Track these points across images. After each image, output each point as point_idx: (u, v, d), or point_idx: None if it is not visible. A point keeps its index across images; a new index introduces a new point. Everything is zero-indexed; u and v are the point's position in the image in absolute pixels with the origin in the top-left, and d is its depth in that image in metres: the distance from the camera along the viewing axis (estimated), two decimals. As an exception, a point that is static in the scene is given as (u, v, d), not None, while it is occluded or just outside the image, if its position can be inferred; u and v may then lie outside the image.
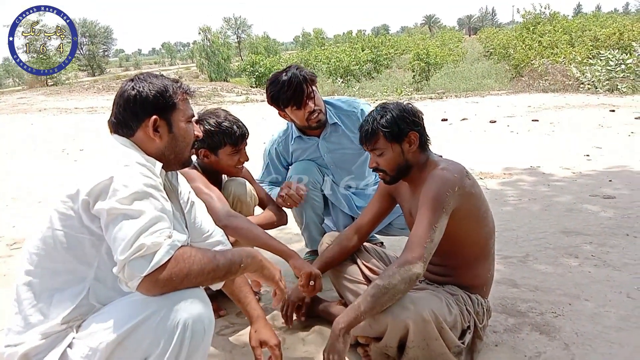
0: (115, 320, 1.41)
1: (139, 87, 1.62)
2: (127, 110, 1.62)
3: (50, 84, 31.99)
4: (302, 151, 2.94)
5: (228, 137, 2.44)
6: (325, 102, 2.89)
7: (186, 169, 2.27)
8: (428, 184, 1.96)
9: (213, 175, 2.54)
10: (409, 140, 2.04)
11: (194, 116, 1.76)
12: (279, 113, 2.81)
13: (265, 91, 2.79)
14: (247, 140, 2.55)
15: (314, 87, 2.71)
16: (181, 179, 1.92)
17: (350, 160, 2.94)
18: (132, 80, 1.67)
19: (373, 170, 2.15)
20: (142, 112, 1.61)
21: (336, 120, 2.86)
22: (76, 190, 1.44)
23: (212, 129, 2.43)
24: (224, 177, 2.68)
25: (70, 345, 1.46)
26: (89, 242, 1.47)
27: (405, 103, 2.11)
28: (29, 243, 1.54)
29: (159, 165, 1.61)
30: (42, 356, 1.46)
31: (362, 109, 2.90)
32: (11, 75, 48.69)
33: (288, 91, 2.63)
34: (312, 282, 2.25)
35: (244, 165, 2.58)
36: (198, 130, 1.77)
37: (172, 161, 1.71)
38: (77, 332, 1.48)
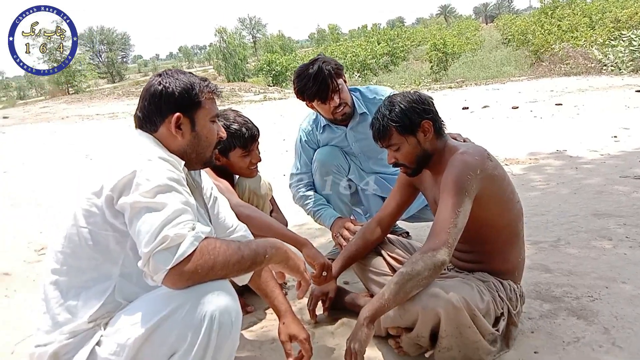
0: (141, 316, 1.39)
1: (165, 83, 1.60)
2: (151, 104, 1.61)
3: (71, 92, 32.53)
4: (329, 140, 2.92)
5: (237, 139, 2.40)
6: (353, 90, 2.88)
7: None
8: (449, 169, 1.90)
9: (225, 173, 2.50)
10: (423, 130, 1.98)
11: (219, 116, 1.75)
12: (306, 104, 2.81)
13: (292, 84, 2.80)
14: (259, 140, 2.52)
15: (340, 80, 2.70)
16: (204, 176, 1.90)
17: (378, 149, 2.88)
18: (159, 75, 1.65)
19: (393, 166, 2.09)
20: (166, 108, 1.60)
21: (365, 110, 2.84)
22: (100, 187, 1.43)
23: None
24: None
25: (98, 343, 1.45)
26: (113, 239, 1.46)
27: (412, 92, 2.05)
28: (55, 241, 1.53)
29: (182, 162, 1.60)
30: (71, 355, 1.45)
31: (390, 94, 2.85)
32: (34, 86, 49.61)
33: (313, 86, 2.64)
34: (324, 273, 2.21)
35: (257, 165, 2.54)
36: (222, 131, 1.75)
37: (193, 160, 1.69)
38: (104, 329, 1.47)
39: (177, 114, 1.60)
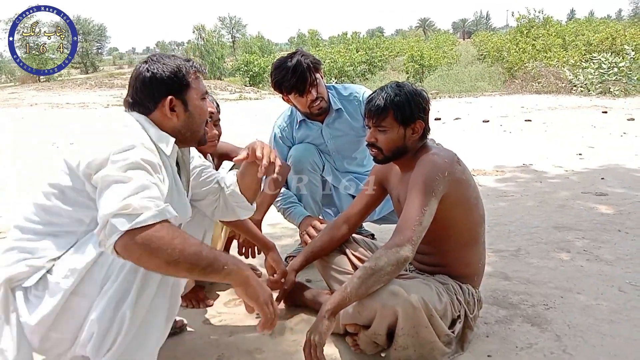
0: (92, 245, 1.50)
1: (154, 69, 1.66)
2: (142, 91, 1.67)
3: (42, 80, 31.83)
4: (305, 137, 2.92)
5: None
6: (329, 87, 2.89)
7: None
8: (418, 169, 1.93)
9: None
10: (414, 128, 2.00)
11: (207, 93, 1.81)
12: (282, 97, 2.80)
13: (269, 75, 2.80)
14: (218, 117, 2.48)
15: (317, 75, 2.70)
16: (194, 152, 1.99)
17: (352, 147, 2.94)
18: (146, 62, 1.70)
19: (368, 145, 2.08)
20: (157, 93, 1.66)
21: (340, 106, 2.85)
22: (78, 162, 1.50)
23: None
24: (209, 159, 2.63)
25: (49, 271, 1.52)
26: (86, 205, 1.53)
27: (419, 87, 2.06)
28: (38, 197, 1.61)
29: (172, 141, 1.67)
30: (22, 281, 1.53)
31: (364, 93, 2.89)
32: (3, 71, 48.31)
33: (292, 78, 2.64)
34: (282, 280, 2.25)
35: (216, 140, 2.48)
36: (212, 107, 1.84)
37: (188, 138, 1.75)
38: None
39: (169, 97, 1.66)
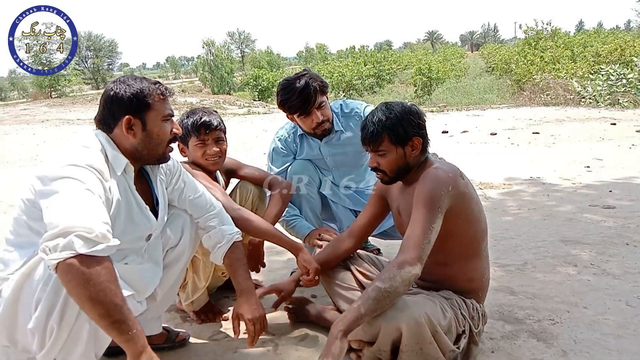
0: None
1: (117, 89, 1.77)
2: (105, 109, 1.79)
3: (54, 96, 32.22)
4: (305, 151, 2.93)
5: (191, 127, 2.45)
6: (331, 106, 2.90)
7: (187, 167, 2.40)
8: (422, 184, 1.93)
9: (208, 173, 2.52)
10: (412, 145, 2.01)
11: (172, 115, 1.88)
12: (287, 116, 2.82)
13: (276, 94, 2.82)
14: (220, 134, 2.52)
15: (323, 97, 2.73)
16: (174, 169, 2.05)
17: (352, 163, 2.95)
18: (114, 82, 1.82)
19: (372, 170, 2.11)
20: (117, 111, 1.76)
21: (341, 128, 2.88)
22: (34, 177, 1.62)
23: (182, 123, 2.47)
24: (219, 175, 2.67)
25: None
26: (41, 217, 1.57)
27: (409, 103, 2.07)
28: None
29: (124, 163, 1.76)
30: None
31: (365, 107, 2.93)
32: (16, 87, 48.97)
33: (297, 99, 2.66)
34: (316, 277, 2.26)
35: (218, 157, 2.51)
36: (177, 128, 1.89)
37: (145, 156, 1.85)
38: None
39: (127, 116, 1.76)
